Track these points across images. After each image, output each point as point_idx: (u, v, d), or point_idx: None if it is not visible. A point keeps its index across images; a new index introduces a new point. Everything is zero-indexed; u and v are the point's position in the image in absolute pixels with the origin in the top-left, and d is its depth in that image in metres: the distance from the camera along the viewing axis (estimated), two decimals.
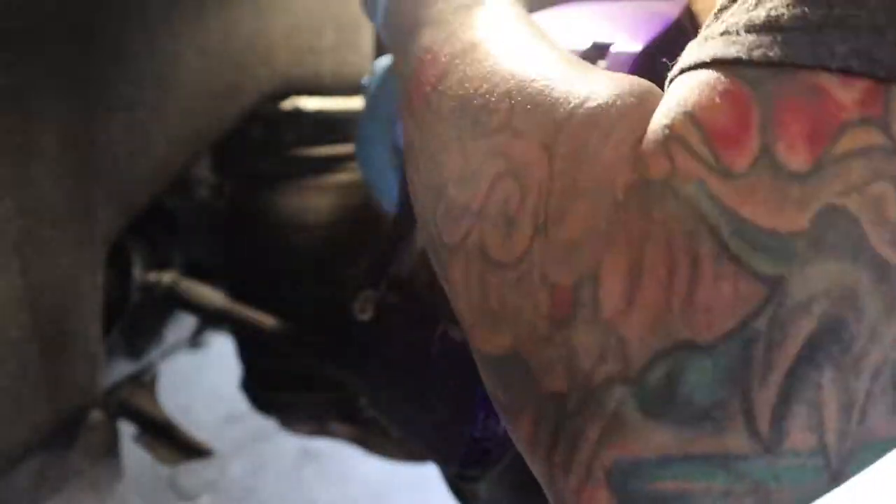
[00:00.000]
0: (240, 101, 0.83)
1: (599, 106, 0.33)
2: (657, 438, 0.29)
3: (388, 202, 0.68)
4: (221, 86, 0.80)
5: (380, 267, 0.60)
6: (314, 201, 0.88)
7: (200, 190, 0.95)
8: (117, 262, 0.85)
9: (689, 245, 0.29)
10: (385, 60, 0.69)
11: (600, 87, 0.35)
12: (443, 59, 0.43)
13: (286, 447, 1.52)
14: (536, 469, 0.34)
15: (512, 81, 0.38)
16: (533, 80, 0.37)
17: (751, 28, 0.29)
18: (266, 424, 1.05)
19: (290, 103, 0.88)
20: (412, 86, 0.45)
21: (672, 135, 0.30)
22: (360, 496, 1.46)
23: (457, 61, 0.42)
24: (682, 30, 0.51)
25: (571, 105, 0.34)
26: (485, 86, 0.39)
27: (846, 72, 0.28)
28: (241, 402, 0.97)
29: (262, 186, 0.90)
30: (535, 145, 0.35)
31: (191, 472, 1.44)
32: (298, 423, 0.96)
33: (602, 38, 0.50)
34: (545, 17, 0.53)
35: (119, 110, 0.72)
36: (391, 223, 0.62)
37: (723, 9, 0.32)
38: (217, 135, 0.82)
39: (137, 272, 0.90)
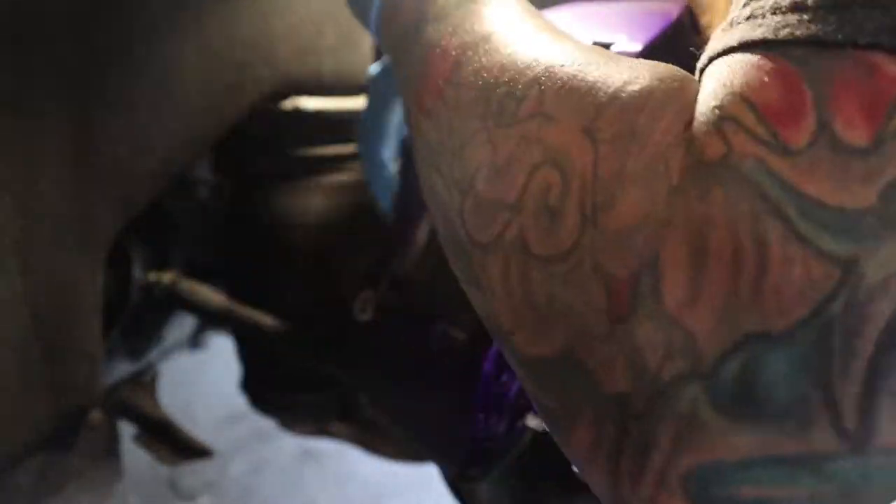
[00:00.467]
0: (240, 101, 0.83)
1: (644, 88, 0.32)
2: (736, 440, 0.27)
3: (386, 201, 0.68)
4: (221, 86, 0.80)
5: (380, 267, 0.60)
6: (314, 201, 0.88)
7: (200, 190, 0.95)
8: (117, 262, 0.85)
9: (754, 227, 0.27)
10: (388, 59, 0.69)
11: (639, 70, 0.34)
12: (453, 52, 0.42)
13: (286, 447, 1.52)
14: (594, 478, 0.32)
15: (538, 67, 0.37)
16: (562, 65, 0.36)
17: (776, 9, 0.29)
18: (266, 424, 1.05)
19: (290, 103, 0.88)
20: (421, 83, 0.44)
21: (724, 115, 0.29)
22: (360, 496, 1.46)
23: (469, 52, 0.41)
24: (682, 30, 0.51)
25: (612, 88, 0.33)
26: (507, 74, 0.38)
27: (875, 47, 0.27)
28: (241, 402, 0.97)
29: (262, 186, 0.90)
30: (574, 130, 0.33)
31: (191, 472, 1.44)
32: (298, 423, 0.96)
33: (602, 38, 0.50)
34: (545, 17, 0.53)
35: (119, 110, 0.72)
36: (391, 223, 0.62)
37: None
38: (217, 135, 0.82)
39: (137, 272, 0.89)
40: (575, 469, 0.34)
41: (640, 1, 0.55)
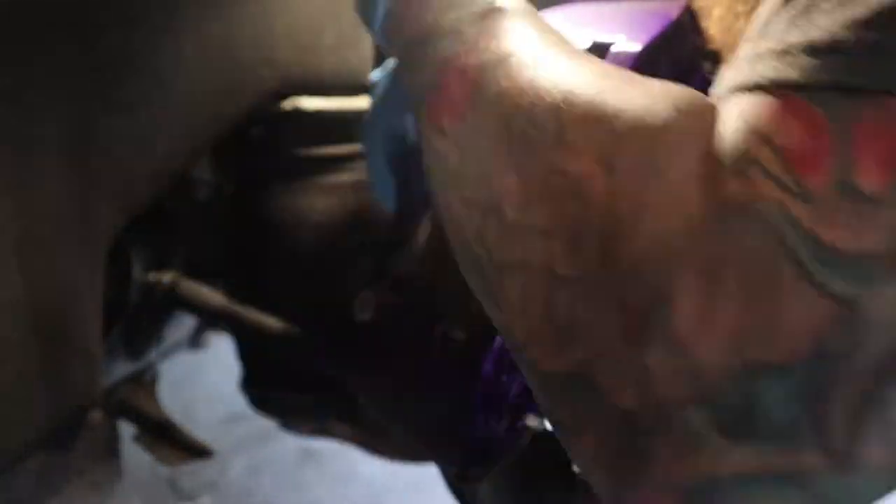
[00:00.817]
0: (240, 101, 0.83)
1: (662, 120, 0.33)
2: (733, 457, 0.29)
3: (388, 201, 0.68)
4: (222, 85, 0.80)
5: (380, 267, 0.60)
6: (314, 201, 0.88)
7: (200, 190, 0.94)
8: (117, 262, 0.85)
9: (769, 268, 0.29)
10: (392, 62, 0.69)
11: (657, 99, 0.34)
12: (471, 73, 0.42)
13: (286, 447, 1.52)
14: (601, 487, 0.34)
15: (557, 94, 0.37)
16: (581, 92, 0.36)
17: (812, 50, 0.29)
18: (266, 424, 1.05)
19: (290, 103, 0.88)
20: (437, 101, 0.44)
21: (748, 157, 0.30)
22: (360, 496, 1.46)
23: (488, 75, 0.41)
24: (682, 30, 0.51)
25: (630, 118, 0.34)
26: (527, 100, 0.38)
27: None
28: (241, 402, 0.97)
29: (262, 186, 0.90)
30: (592, 160, 0.34)
31: (191, 473, 1.44)
32: (298, 423, 0.96)
33: (602, 38, 0.50)
34: (545, 17, 0.53)
35: (119, 110, 0.72)
36: (391, 223, 0.62)
37: (767, 23, 0.31)
38: (217, 134, 0.82)
39: (137, 272, 0.89)
40: (576, 468, 0.36)
41: (640, 1, 0.55)
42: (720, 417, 0.29)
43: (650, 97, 0.34)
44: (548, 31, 0.44)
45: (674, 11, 0.52)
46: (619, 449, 0.32)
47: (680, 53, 0.52)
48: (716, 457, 0.29)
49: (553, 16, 0.54)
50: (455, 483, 0.76)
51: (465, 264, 0.42)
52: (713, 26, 0.51)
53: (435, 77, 0.44)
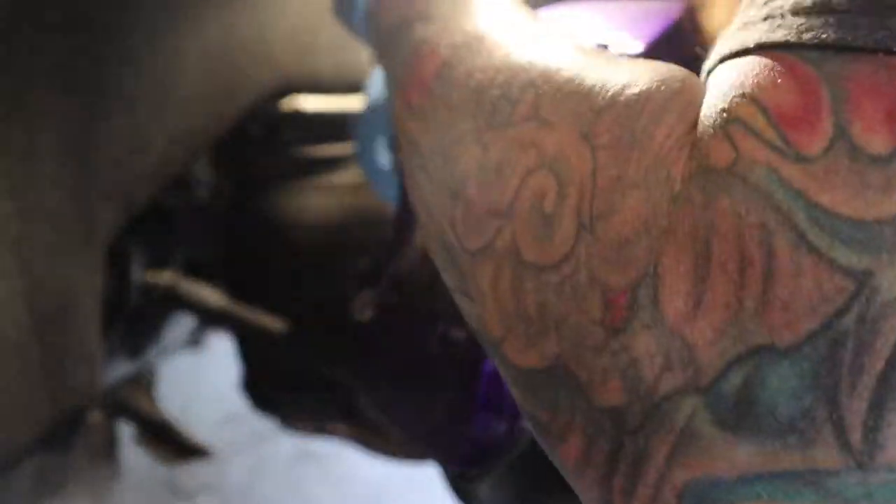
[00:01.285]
0: (239, 101, 0.83)
1: (644, 91, 0.31)
2: (736, 455, 0.26)
3: (391, 195, 0.68)
4: (221, 85, 0.80)
5: (380, 267, 0.60)
6: (314, 201, 0.88)
7: (200, 190, 0.95)
8: (117, 262, 0.85)
9: (762, 237, 0.26)
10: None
11: (639, 72, 0.32)
12: (443, 51, 0.41)
13: (286, 447, 1.52)
14: (588, 494, 0.31)
15: (533, 71, 0.35)
16: (559, 69, 0.35)
17: (798, 10, 0.27)
18: (266, 424, 1.05)
19: (289, 103, 0.88)
20: (408, 81, 0.43)
21: (732, 118, 0.27)
22: (360, 496, 1.46)
23: (461, 52, 0.40)
24: (682, 30, 0.51)
25: (611, 92, 0.32)
26: (500, 76, 0.37)
27: None
28: (241, 402, 0.97)
29: (262, 186, 0.90)
30: (571, 135, 0.32)
31: (190, 473, 1.44)
32: (298, 423, 0.96)
33: (602, 38, 0.50)
34: (544, 16, 0.53)
35: (119, 110, 0.72)
36: (391, 223, 0.62)
37: None
38: (217, 134, 0.82)
39: (136, 272, 0.89)
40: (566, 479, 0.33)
41: (641, 1, 0.55)
42: (719, 410, 0.26)
43: (630, 72, 0.32)
44: (525, 13, 0.43)
45: (674, 11, 0.52)
46: (608, 452, 0.29)
47: (680, 53, 0.52)
48: (715, 455, 0.26)
49: (552, 15, 0.54)
50: (455, 483, 0.76)
51: (438, 255, 0.40)
52: (718, 13, 0.50)
53: (409, 59, 0.44)
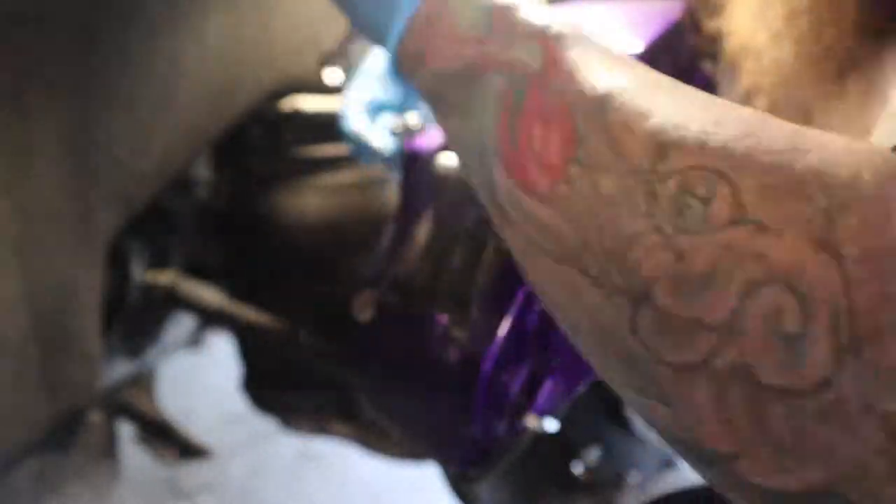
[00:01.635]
0: (240, 101, 0.83)
1: (878, 185, 0.28)
2: None
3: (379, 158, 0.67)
4: (221, 85, 0.80)
5: (380, 267, 0.60)
6: (314, 201, 0.88)
7: (200, 190, 0.95)
8: (116, 262, 0.85)
9: None
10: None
11: (858, 158, 0.29)
12: (560, 122, 0.35)
13: (286, 447, 1.52)
14: None
15: (712, 154, 0.31)
16: (747, 152, 0.30)
17: None
18: (266, 424, 1.05)
19: (289, 103, 0.88)
20: (519, 157, 0.36)
21: None
22: (360, 496, 1.46)
23: (582, 121, 0.34)
24: (682, 30, 0.51)
25: (836, 184, 0.28)
26: (658, 152, 0.32)
27: None
28: (241, 402, 0.97)
29: (262, 186, 0.90)
30: (803, 245, 0.28)
31: (190, 473, 1.44)
32: (298, 423, 0.96)
33: (601, 39, 0.50)
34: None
35: (119, 110, 0.72)
36: (391, 223, 0.62)
37: None
38: (217, 134, 0.82)
39: (136, 272, 0.89)
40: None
41: (641, 1, 0.55)
42: None
43: (835, 155, 0.29)
44: (621, 59, 0.37)
45: (674, 11, 0.52)
46: None
47: (680, 53, 0.52)
48: None
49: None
50: (455, 483, 0.76)
51: (610, 358, 0.34)
52: (738, 14, 0.48)
53: (503, 127, 0.37)
